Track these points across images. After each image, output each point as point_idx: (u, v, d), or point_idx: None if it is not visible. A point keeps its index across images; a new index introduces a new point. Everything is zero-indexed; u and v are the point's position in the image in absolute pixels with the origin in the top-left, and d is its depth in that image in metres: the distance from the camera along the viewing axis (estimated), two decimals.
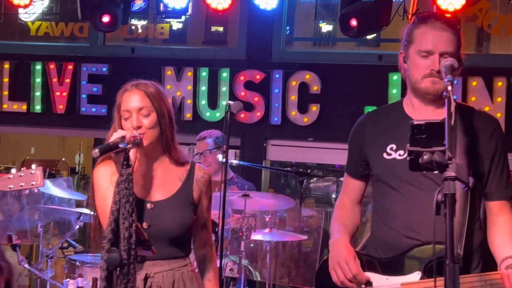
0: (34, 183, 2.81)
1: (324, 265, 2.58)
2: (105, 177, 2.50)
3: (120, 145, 2.32)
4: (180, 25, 6.93)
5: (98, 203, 2.52)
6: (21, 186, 2.82)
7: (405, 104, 2.57)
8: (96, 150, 2.27)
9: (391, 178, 2.49)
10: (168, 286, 2.51)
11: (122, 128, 2.48)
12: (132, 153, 2.36)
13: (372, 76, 5.80)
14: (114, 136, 2.36)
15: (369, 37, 5.75)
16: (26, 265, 4.41)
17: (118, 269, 2.23)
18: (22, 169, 2.83)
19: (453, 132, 2.27)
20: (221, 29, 6.77)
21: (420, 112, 2.48)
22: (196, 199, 2.60)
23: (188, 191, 2.59)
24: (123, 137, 2.34)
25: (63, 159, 9.91)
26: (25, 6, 5.88)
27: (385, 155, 2.51)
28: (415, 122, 1.97)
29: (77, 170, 10.28)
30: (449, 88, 2.10)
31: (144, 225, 2.44)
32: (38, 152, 10.24)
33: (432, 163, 1.84)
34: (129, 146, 2.33)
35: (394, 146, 2.50)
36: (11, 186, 2.83)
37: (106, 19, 5.39)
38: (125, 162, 2.31)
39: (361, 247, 2.69)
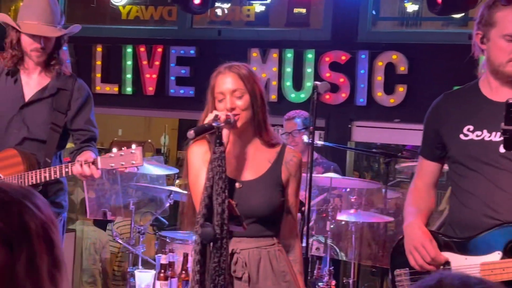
0: (134, 162, 2.90)
1: (399, 245, 2.58)
2: (199, 156, 2.59)
3: (214, 124, 2.39)
4: (263, 8, 6.97)
5: (191, 180, 2.60)
6: (122, 165, 2.92)
7: (482, 85, 2.53)
8: (192, 131, 2.33)
9: (468, 159, 2.47)
10: (254, 263, 2.56)
11: (216, 110, 2.54)
12: (225, 134, 2.42)
13: (461, 56, 5.64)
14: (209, 117, 2.43)
15: (456, 16, 5.60)
16: (120, 240, 4.60)
17: (212, 243, 2.32)
18: (123, 148, 2.93)
19: None
20: (303, 11, 6.75)
21: (498, 93, 2.45)
22: (285, 181, 2.64)
23: (277, 172, 2.63)
24: (217, 117, 2.41)
25: (149, 140, 10.19)
26: None
27: (462, 136, 2.49)
28: (511, 101, 1.95)
29: (162, 152, 10.55)
30: None
31: (233, 203, 2.51)
32: (125, 134, 10.56)
33: None
34: (222, 125, 2.40)
35: (471, 127, 2.48)
36: (113, 165, 2.94)
37: (197, 0, 5.53)
38: (217, 140, 2.38)
39: (437, 227, 2.66)
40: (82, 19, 7.24)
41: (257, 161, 2.64)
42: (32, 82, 3.31)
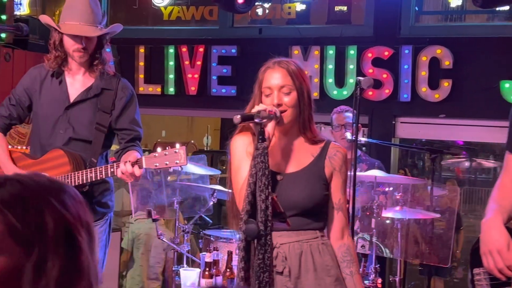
0: (178, 161, 2.89)
1: (478, 242, 2.47)
2: (241, 147, 2.58)
3: (256, 120, 2.38)
4: (303, 6, 6.93)
5: (233, 170, 2.59)
6: (166, 164, 2.91)
7: None
8: (238, 116, 2.33)
9: None
10: (295, 257, 2.52)
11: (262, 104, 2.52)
12: (271, 129, 2.40)
13: (508, 49, 5.53)
14: (256, 108, 2.42)
15: (502, 8, 5.47)
16: (164, 239, 4.62)
17: (256, 240, 2.30)
18: (167, 148, 2.92)
19: None
20: (345, 8, 6.69)
21: None
22: (328, 176, 2.59)
23: (319, 165, 2.59)
24: (263, 111, 2.39)
25: (192, 141, 10.27)
26: None
27: None
28: None
29: (205, 151, 10.61)
30: None
31: (274, 196, 2.48)
32: (169, 135, 10.67)
33: None
34: (264, 121, 2.39)
35: None
36: (157, 164, 2.93)
37: (240, 0, 5.54)
38: (260, 136, 2.37)
39: None
40: (125, 21, 7.31)
41: (300, 155, 2.62)
42: (77, 82, 3.33)
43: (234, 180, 2.57)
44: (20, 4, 7.32)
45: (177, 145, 2.92)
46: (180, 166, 2.96)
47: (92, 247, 1.18)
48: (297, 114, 2.55)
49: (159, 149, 2.94)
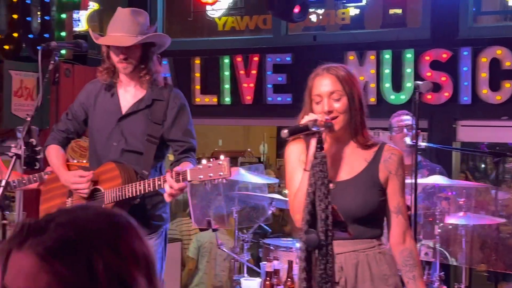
0: (221, 173, 2.80)
1: None
2: (295, 155, 2.56)
3: (313, 128, 2.35)
4: (357, 11, 6.86)
5: (287, 179, 2.58)
6: (210, 176, 2.82)
7: None
8: (286, 131, 2.29)
9: None
10: (351, 267, 2.48)
11: (313, 112, 2.50)
12: (322, 137, 2.38)
13: None
14: (306, 118, 2.38)
15: None
16: (225, 249, 4.63)
17: (317, 250, 2.27)
18: (211, 159, 2.85)
19: None
20: (399, 11, 6.60)
21: None
22: (383, 181, 2.53)
23: (373, 171, 2.54)
24: (315, 121, 2.35)
25: (249, 149, 10.29)
26: (213, 3, 6.18)
27: None
28: None
29: (261, 160, 10.62)
30: None
31: None
32: (225, 144, 10.72)
33: None
34: (321, 129, 2.36)
35: None
36: (201, 177, 2.85)
37: (296, 9, 5.55)
38: (318, 145, 2.34)
39: None
40: (180, 33, 7.41)
41: (353, 161, 2.57)
42: (128, 94, 3.32)
43: (289, 188, 2.57)
44: (79, 20, 7.50)
45: (221, 156, 2.84)
46: (224, 178, 2.84)
47: (151, 280, 1.10)
48: (348, 120, 2.51)
49: (203, 161, 2.87)
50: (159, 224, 3.31)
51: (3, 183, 2.69)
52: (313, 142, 2.32)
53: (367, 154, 2.56)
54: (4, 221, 2.71)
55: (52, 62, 2.96)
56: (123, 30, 3.20)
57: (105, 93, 3.35)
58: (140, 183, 3.05)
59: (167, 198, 2.98)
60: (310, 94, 2.55)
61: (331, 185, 2.51)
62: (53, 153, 3.37)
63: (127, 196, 3.06)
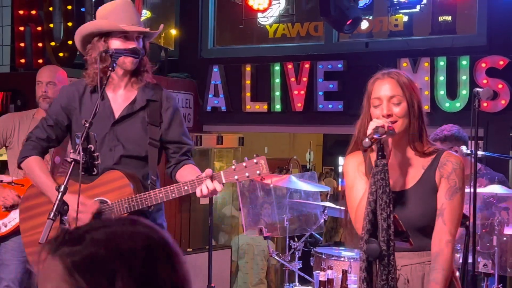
0: (259, 172, 2.73)
1: None
2: (353, 167, 2.54)
3: (375, 136, 2.31)
4: (406, 18, 6.76)
5: (347, 189, 2.56)
6: (247, 176, 2.75)
7: None
8: (367, 140, 2.26)
9: None
10: (417, 280, 2.43)
11: (371, 117, 2.47)
12: (388, 144, 2.35)
13: None
14: (371, 126, 2.35)
15: None
16: (276, 257, 4.60)
17: (378, 260, 2.22)
18: (245, 159, 2.77)
19: None
20: (449, 18, 6.49)
21: None
22: (439, 186, 2.48)
23: (431, 178, 2.49)
24: (377, 128, 2.32)
25: (295, 157, 10.25)
26: (264, 10, 6.17)
27: None
28: None
29: (308, 167, 10.57)
30: None
31: None
32: (271, 151, 10.71)
33: None
34: (383, 136, 2.32)
35: None
36: (236, 177, 2.77)
37: (349, 22, 5.54)
38: (380, 153, 2.29)
39: None
40: (231, 40, 7.43)
41: (411, 169, 2.52)
42: (119, 97, 3.09)
43: (349, 199, 2.54)
44: None
45: (255, 155, 2.74)
46: (263, 177, 2.75)
47: None
48: (407, 126, 2.47)
49: (234, 162, 2.78)
50: None
51: (62, 188, 2.71)
52: (380, 145, 2.29)
53: (424, 161, 2.51)
54: (63, 226, 2.73)
55: (110, 68, 2.95)
56: (132, 21, 3.02)
57: (91, 96, 3.08)
58: (161, 190, 2.88)
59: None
60: (369, 98, 2.53)
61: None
62: (36, 165, 3.09)
63: (144, 205, 2.90)
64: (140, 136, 3.05)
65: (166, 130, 3.08)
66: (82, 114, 3.07)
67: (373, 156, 2.33)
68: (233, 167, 2.78)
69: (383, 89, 2.48)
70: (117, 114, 3.07)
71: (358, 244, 2.30)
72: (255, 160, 2.74)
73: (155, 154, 3.04)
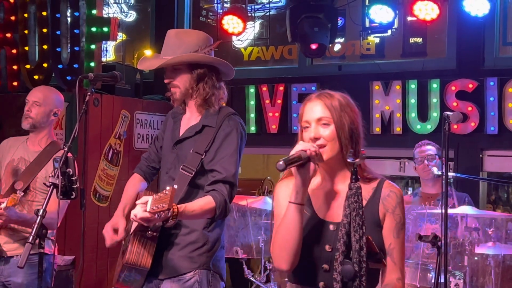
0: (164, 205, 2.63)
1: None
2: (285, 193, 2.38)
3: (302, 161, 2.24)
4: (377, 40, 6.89)
5: (274, 217, 2.43)
6: (153, 209, 2.68)
7: None
8: (281, 162, 2.18)
9: None
10: None
11: (302, 140, 2.38)
12: (311, 168, 2.26)
13: None
14: (295, 149, 2.27)
15: None
16: (252, 278, 4.63)
17: (351, 281, 2.27)
18: (165, 190, 2.69)
19: None
20: (419, 40, 6.64)
21: None
22: (382, 220, 2.39)
23: (373, 210, 2.38)
24: (302, 151, 2.25)
25: (268, 177, 10.27)
26: (238, 34, 6.25)
27: None
28: None
29: None
30: None
31: (327, 248, 2.33)
32: (245, 172, 10.71)
33: None
34: (300, 162, 2.23)
35: None
36: (148, 209, 2.70)
37: (314, 46, 5.63)
38: (353, 176, 2.31)
39: None
40: None
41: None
42: (186, 120, 3.22)
43: (274, 226, 2.41)
44: (106, 50, 7.62)
45: (167, 187, 2.66)
46: (165, 210, 2.65)
47: None
48: (338, 150, 2.34)
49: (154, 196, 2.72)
50: None
51: (41, 212, 2.73)
52: (297, 171, 2.24)
53: (365, 191, 2.32)
54: (41, 250, 2.74)
55: (89, 93, 3.00)
56: (163, 53, 3.13)
57: (171, 120, 3.31)
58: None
59: None
60: (300, 120, 2.44)
61: (331, 227, 2.34)
62: (130, 182, 3.37)
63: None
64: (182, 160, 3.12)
65: (210, 157, 3.05)
66: (165, 136, 3.32)
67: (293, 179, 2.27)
68: (154, 196, 2.72)
69: (311, 112, 2.37)
70: (179, 136, 3.21)
71: (284, 276, 2.22)
72: (166, 191, 2.66)
73: (184, 180, 3.02)
